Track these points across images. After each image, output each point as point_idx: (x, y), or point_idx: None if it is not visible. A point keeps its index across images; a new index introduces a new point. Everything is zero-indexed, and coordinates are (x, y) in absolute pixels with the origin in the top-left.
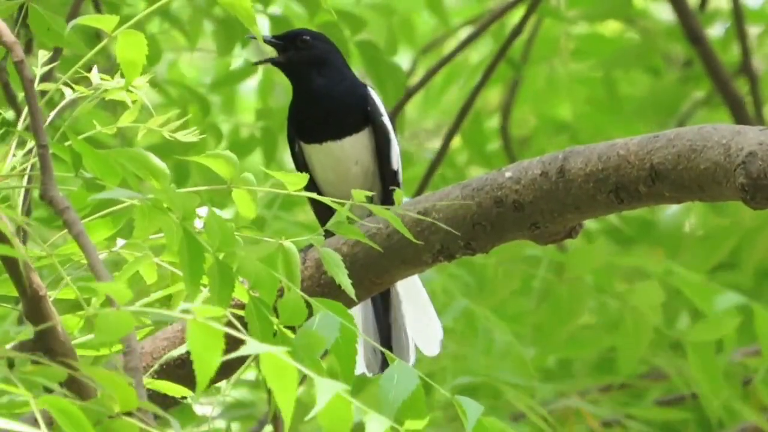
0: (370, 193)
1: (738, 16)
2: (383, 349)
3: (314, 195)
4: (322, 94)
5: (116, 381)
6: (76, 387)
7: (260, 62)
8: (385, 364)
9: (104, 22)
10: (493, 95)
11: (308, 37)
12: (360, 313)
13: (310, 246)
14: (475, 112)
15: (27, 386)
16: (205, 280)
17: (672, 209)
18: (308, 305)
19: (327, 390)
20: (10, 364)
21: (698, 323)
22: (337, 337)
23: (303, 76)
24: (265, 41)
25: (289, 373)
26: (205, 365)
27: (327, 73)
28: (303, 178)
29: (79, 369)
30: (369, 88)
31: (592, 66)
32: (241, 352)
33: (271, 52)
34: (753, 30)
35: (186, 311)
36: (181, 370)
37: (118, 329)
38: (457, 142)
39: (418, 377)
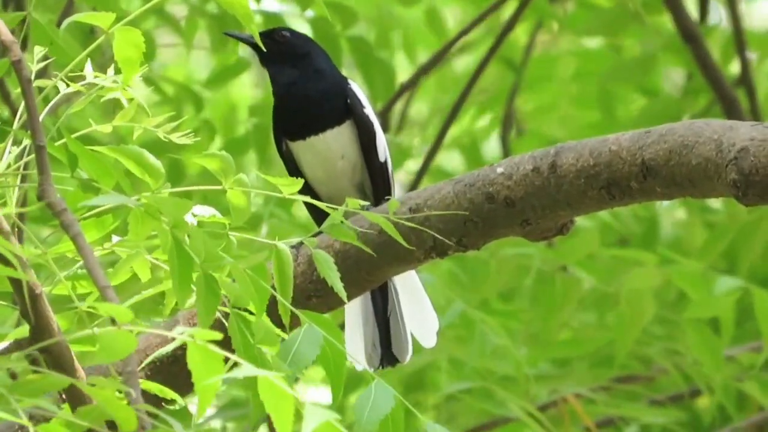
0: (365, 203)
1: (737, 28)
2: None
3: (308, 198)
4: (296, 87)
5: (117, 403)
6: (74, 392)
7: (233, 35)
8: (385, 359)
9: (101, 19)
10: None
11: (286, 33)
12: (360, 308)
13: (302, 242)
14: (472, 134)
15: (27, 392)
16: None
17: (664, 205)
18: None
19: (314, 417)
20: (12, 375)
21: (692, 304)
22: (327, 350)
23: (277, 69)
24: (243, 39)
25: (285, 399)
26: (206, 387)
27: (303, 67)
28: (297, 183)
29: (79, 380)
30: (350, 82)
31: (588, 84)
32: (237, 374)
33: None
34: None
35: (188, 334)
36: (174, 366)
37: (121, 349)
38: (453, 145)
39: (395, 398)
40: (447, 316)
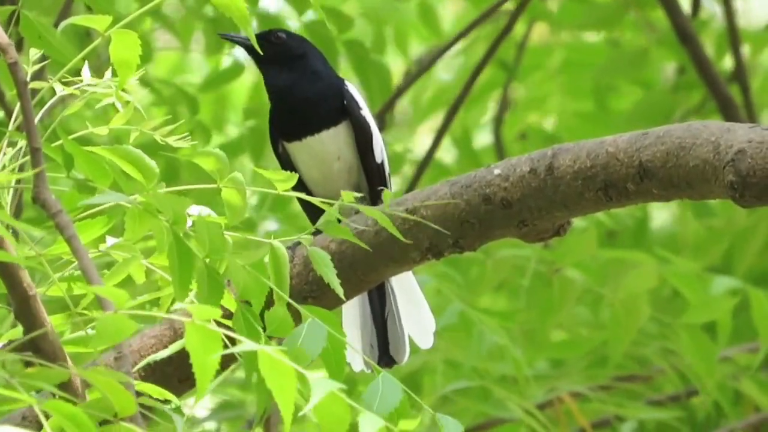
0: (359, 195)
1: (731, 22)
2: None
3: (302, 195)
4: (291, 88)
5: (115, 386)
6: (68, 389)
7: (227, 37)
8: (382, 359)
9: (97, 21)
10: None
11: (282, 35)
12: (357, 309)
13: (298, 243)
14: (465, 129)
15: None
16: (193, 284)
17: (660, 206)
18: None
19: (320, 388)
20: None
21: (692, 307)
22: (328, 345)
23: (272, 71)
24: (237, 40)
25: (287, 373)
26: (205, 367)
27: (298, 68)
28: (292, 178)
29: (75, 371)
30: (346, 83)
31: (582, 77)
32: (238, 348)
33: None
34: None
35: (184, 313)
36: (168, 367)
37: (117, 333)
38: (447, 144)
39: (402, 390)
40: (445, 316)
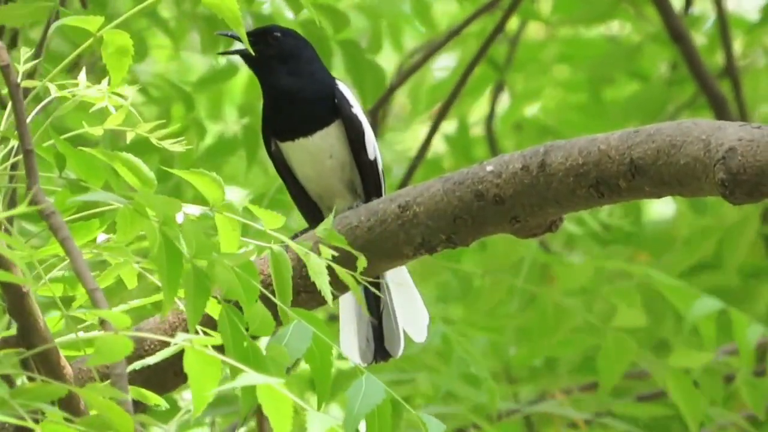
0: (355, 203)
1: (722, 19)
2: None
3: (292, 243)
4: (287, 89)
5: (113, 408)
6: (66, 400)
7: (227, 52)
8: (378, 354)
9: (89, 22)
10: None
11: (278, 33)
12: (353, 304)
13: (293, 238)
14: (462, 121)
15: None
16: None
17: (654, 204)
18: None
19: (319, 423)
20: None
21: (675, 352)
22: (313, 347)
23: (269, 72)
24: (234, 38)
25: (285, 403)
26: (202, 391)
27: (294, 68)
28: (279, 220)
29: (73, 388)
30: (338, 81)
31: (577, 70)
32: (239, 383)
33: None
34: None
35: (186, 340)
36: (161, 361)
37: (116, 353)
38: (441, 144)
39: (385, 391)
40: (428, 335)
